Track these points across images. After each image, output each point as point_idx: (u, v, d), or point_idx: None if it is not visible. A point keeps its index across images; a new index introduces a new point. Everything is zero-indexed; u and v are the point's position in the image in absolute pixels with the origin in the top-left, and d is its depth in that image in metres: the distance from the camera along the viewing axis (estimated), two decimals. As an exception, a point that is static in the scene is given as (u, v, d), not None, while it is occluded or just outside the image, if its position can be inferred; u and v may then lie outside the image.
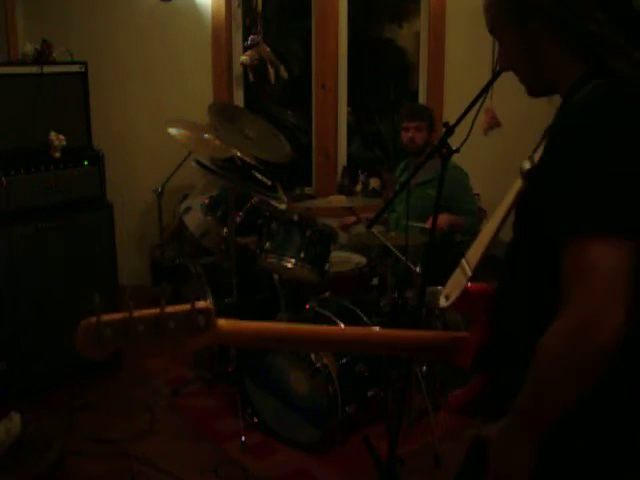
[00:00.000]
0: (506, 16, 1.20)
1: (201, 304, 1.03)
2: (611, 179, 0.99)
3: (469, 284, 1.27)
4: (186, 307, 1.02)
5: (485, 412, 1.32)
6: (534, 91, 1.26)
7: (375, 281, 3.43)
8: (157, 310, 1.01)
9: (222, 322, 1.08)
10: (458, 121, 2.00)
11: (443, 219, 3.22)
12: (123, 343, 1.03)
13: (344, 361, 2.83)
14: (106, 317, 1.01)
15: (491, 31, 1.27)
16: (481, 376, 1.27)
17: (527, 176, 1.19)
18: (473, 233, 3.68)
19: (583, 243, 0.98)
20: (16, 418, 2.57)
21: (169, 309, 1.02)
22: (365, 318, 3.02)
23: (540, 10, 1.14)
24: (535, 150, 1.19)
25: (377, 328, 1.28)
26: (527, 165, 1.20)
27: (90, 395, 3.25)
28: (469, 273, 1.28)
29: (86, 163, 3.29)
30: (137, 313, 1.01)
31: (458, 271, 1.32)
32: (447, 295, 1.30)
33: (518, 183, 1.23)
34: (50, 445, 2.51)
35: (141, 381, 3.43)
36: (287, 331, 1.21)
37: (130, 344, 1.03)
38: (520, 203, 1.21)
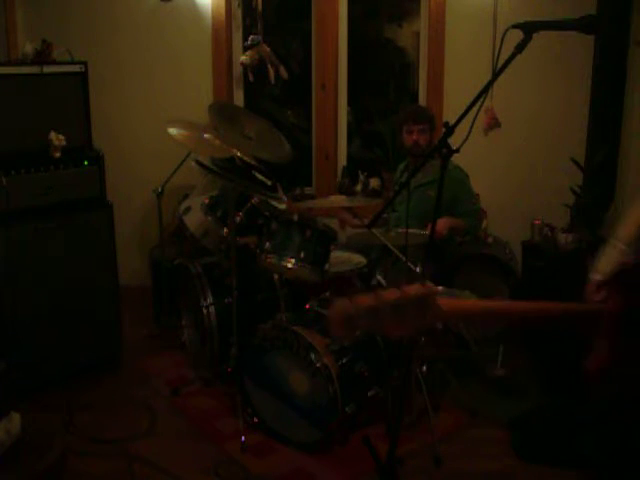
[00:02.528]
0: None
1: (429, 285, 1.11)
2: None
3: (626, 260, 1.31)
4: (417, 288, 1.08)
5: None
6: None
7: (375, 281, 3.43)
8: (398, 293, 1.07)
9: (442, 301, 1.15)
10: (458, 121, 2.00)
11: (442, 223, 3.22)
12: (371, 326, 1.08)
13: (344, 361, 2.83)
14: (359, 300, 1.06)
15: None
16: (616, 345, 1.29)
17: None
18: (475, 234, 3.68)
19: None
20: (16, 418, 2.56)
21: (407, 291, 1.08)
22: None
23: None
24: None
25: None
26: None
27: (90, 395, 3.26)
28: (623, 247, 1.33)
29: (86, 163, 3.29)
30: (384, 296, 1.07)
31: (608, 249, 1.36)
32: (600, 271, 1.34)
33: None
34: (50, 445, 2.51)
35: (141, 381, 3.43)
36: (496, 307, 1.28)
37: (376, 327, 1.08)
38: None
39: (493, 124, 4.09)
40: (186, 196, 3.78)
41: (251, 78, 4.25)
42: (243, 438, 2.86)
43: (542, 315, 1.35)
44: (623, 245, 1.33)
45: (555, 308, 1.33)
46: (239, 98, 4.49)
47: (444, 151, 2.05)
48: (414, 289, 1.08)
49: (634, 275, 1.28)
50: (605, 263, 1.34)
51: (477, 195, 3.85)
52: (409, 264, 2.79)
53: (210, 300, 3.27)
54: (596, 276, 1.33)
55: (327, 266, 3.02)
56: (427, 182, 3.35)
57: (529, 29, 1.86)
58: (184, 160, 3.56)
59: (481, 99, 1.92)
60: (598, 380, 1.32)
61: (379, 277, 3.22)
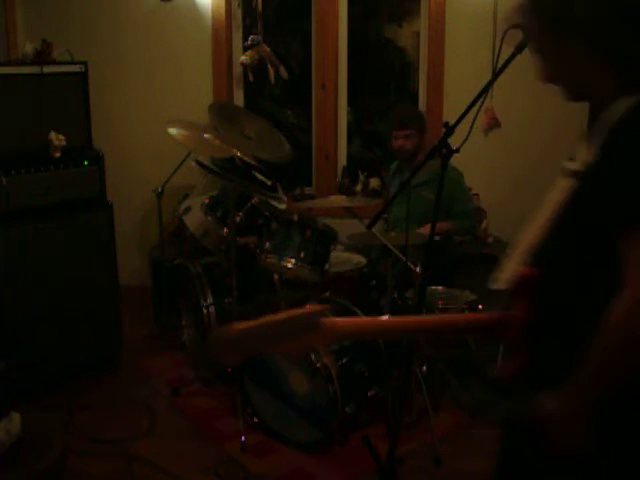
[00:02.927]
0: (544, 35, 1.28)
1: (314, 308, 1.20)
2: None
3: (521, 270, 1.39)
4: (300, 311, 1.18)
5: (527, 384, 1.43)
6: (571, 99, 1.35)
7: (375, 281, 3.43)
8: (283, 315, 1.16)
9: (331, 321, 1.22)
10: (458, 121, 2.01)
11: (426, 230, 3.18)
12: (256, 348, 1.18)
13: (344, 361, 2.84)
14: (241, 326, 1.15)
15: (533, 48, 1.34)
16: (525, 350, 1.39)
17: (578, 175, 1.29)
18: (473, 234, 3.68)
19: None
20: (16, 418, 2.56)
21: (291, 313, 1.17)
22: (365, 318, 3.02)
23: (579, 29, 1.22)
24: (578, 151, 1.30)
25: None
26: (573, 165, 1.32)
27: (90, 395, 3.26)
28: (521, 258, 1.40)
29: (86, 163, 3.29)
30: (265, 319, 1.16)
31: (506, 260, 1.45)
32: (500, 279, 1.43)
33: (564, 182, 1.35)
34: (50, 445, 2.51)
35: (141, 381, 3.43)
36: (381, 324, 1.38)
37: (261, 348, 1.19)
38: (570, 199, 1.31)
39: (493, 124, 4.09)
40: (186, 196, 3.78)
41: (251, 78, 4.25)
42: (243, 438, 2.86)
43: (444, 327, 1.47)
44: (520, 258, 1.42)
45: (458, 319, 1.46)
46: (239, 98, 4.49)
47: (444, 151, 2.05)
48: (298, 311, 1.17)
49: (536, 285, 1.36)
50: (507, 273, 1.42)
51: (476, 195, 3.85)
52: (409, 264, 2.79)
53: (210, 300, 3.27)
54: (499, 284, 1.43)
55: (327, 266, 3.02)
56: (421, 182, 3.33)
57: (529, 29, 1.86)
58: (184, 160, 3.56)
59: (481, 99, 1.92)
60: (510, 379, 1.47)
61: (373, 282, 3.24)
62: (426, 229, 2.89)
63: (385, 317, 1.45)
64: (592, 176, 1.24)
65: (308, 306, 1.20)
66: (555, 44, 1.27)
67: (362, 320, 1.38)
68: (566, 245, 1.32)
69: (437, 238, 3.23)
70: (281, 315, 1.17)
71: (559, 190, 1.36)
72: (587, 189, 1.27)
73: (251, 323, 1.15)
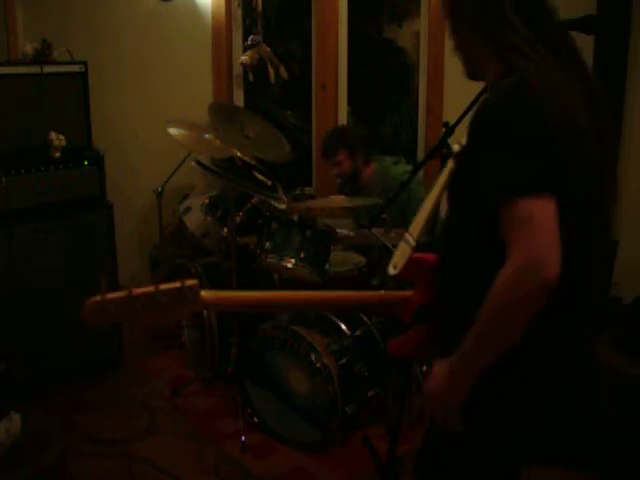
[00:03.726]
0: (450, 23, 1.48)
1: (188, 282, 1.29)
2: (528, 151, 1.23)
3: (414, 254, 1.51)
4: (176, 284, 1.27)
5: (422, 355, 1.66)
6: (469, 75, 1.52)
7: (375, 281, 3.42)
8: (152, 288, 1.25)
9: (205, 293, 1.33)
10: (458, 121, 2.01)
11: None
12: (124, 317, 1.27)
13: (344, 361, 2.83)
14: (109, 296, 1.27)
15: (453, 48, 1.51)
16: (419, 327, 1.52)
17: (457, 157, 1.44)
18: None
19: (519, 203, 1.19)
20: (16, 418, 2.56)
21: (162, 286, 1.26)
22: (365, 318, 3.02)
23: (468, 19, 1.41)
24: (464, 135, 1.40)
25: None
26: (457, 148, 1.47)
27: (90, 395, 3.26)
28: (413, 243, 1.51)
29: (86, 163, 3.29)
30: (135, 291, 1.25)
31: (402, 244, 1.54)
32: (395, 265, 1.51)
33: (450, 164, 1.48)
34: (50, 445, 2.51)
35: (141, 381, 3.43)
36: (257, 298, 1.49)
37: (130, 317, 1.27)
38: (452, 180, 1.45)
39: (493, 124, 4.08)
40: (186, 196, 3.78)
41: (251, 78, 4.25)
42: (243, 438, 2.86)
43: (335, 303, 1.61)
44: (413, 241, 1.52)
45: (353, 296, 1.54)
46: (239, 98, 4.49)
47: (444, 151, 2.05)
48: (172, 285, 1.27)
49: (435, 271, 1.49)
50: (399, 257, 1.51)
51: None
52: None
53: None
54: (391, 270, 1.51)
55: (327, 266, 3.02)
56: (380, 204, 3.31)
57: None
58: (184, 160, 3.56)
59: (481, 99, 1.92)
60: (397, 357, 1.66)
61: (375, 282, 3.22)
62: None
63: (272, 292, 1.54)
64: (461, 159, 1.40)
65: (185, 280, 1.28)
66: (455, 30, 1.47)
67: (241, 294, 1.48)
68: (453, 225, 1.44)
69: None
70: (148, 287, 1.26)
71: (445, 172, 1.48)
72: (459, 172, 1.42)
73: (121, 293, 1.26)
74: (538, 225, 1.17)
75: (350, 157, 3.48)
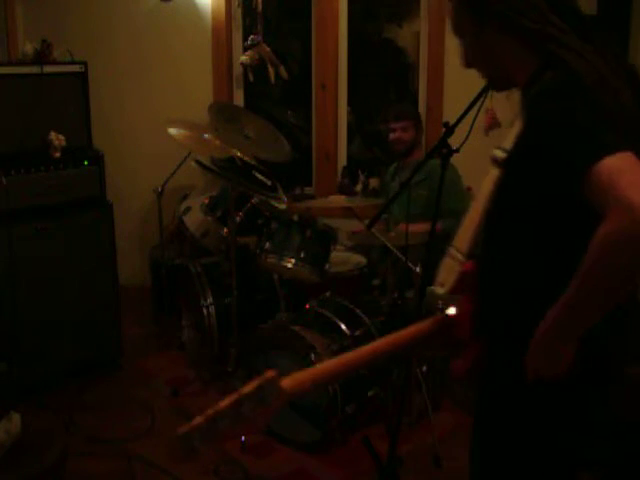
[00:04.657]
0: (466, 20, 1.37)
1: (267, 375, 1.15)
2: (599, 125, 1.17)
3: (464, 266, 1.42)
4: (254, 385, 1.14)
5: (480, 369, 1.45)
6: (496, 86, 1.45)
7: (375, 281, 3.43)
8: (233, 399, 1.13)
9: (285, 383, 1.20)
10: (458, 121, 2.01)
11: (418, 228, 3.14)
12: (211, 441, 1.15)
13: (344, 361, 2.83)
14: (189, 427, 1.13)
15: (455, 34, 1.42)
16: (477, 341, 1.41)
17: (505, 161, 1.37)
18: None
19: (605, 163, 1.12)
20: (16, 418, 2.56)
21: (243, 393, 1.13)
22: (365, 318, 3.02)
23: (496, 14, 1.32)
24: (506, 138, 1.37)
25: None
26: (500, 153, 1.40)
27: (90, 395, 3.26)
28: (461, 259, 1.42)
29: (86, 163, 3.29)
30: (214, 411, 1.13)
31: (448, 259, 1.45)
32: (442, 283, 1.43)
33: (494, 171, 1.41)
34: (50, 445, 2.51)
35: (141, 381, 3.43)
36: (336, 365, 1.36)
37: (216, 439, 1.15)
38: (501, 187, 1.36)
39: (493, 124, 4.09)
40: (186, 196, 3.78)
41: (251, 78, 4.25)
42: (243, 438, 2.86)
43: (394, 347, 1.44)
44: (462, 257, 1.42)
45: (404, 335, 1.43)
46: (239, 98, 4.49)
47: (444, 151, 2.05)
48: (249, 384, 1.14)
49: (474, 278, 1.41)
50: (446, 274, 1.43)
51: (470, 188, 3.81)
52: (409, 264, 2.79)
53: (210, 300, 3.27)
54: (439, 289, 1.43)
55: (327, 266, 3.02)
56: (419, 181, 3.32)
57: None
58: (184, 160, 3.56)
59: (481, 99, 1.92)
60: (465, 378, 1.46)
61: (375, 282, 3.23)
62: (415, 227, 2.88)
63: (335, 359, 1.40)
64: (524, 146, 1.29)
65: (263, 376, 1.16)
66: (478, 33, 1.36)
67: (317, 369, 1.35)
68: (506, 232, 1.36)
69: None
70: (237, 395, 1.15)
71: (489, 181, 1.40)
72: (510, 176, 1.32)
73: (201, 419, 1.13)
74: (632, 172, 1.11)
75: (414, 128, 3.50)
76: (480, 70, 1.42)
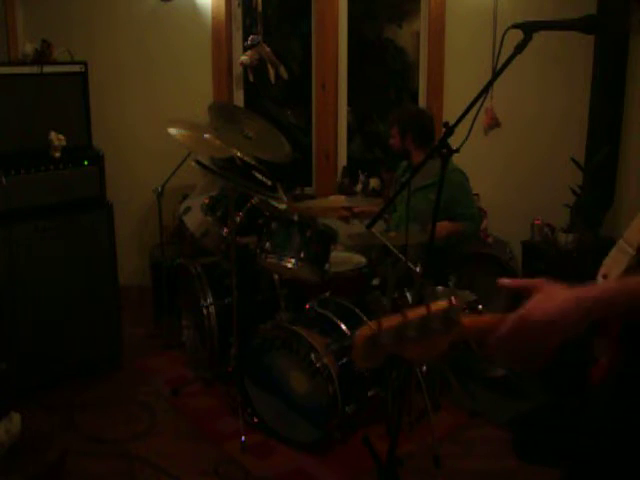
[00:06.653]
0: None
1: (453, 300, 1.05)
2: None
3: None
4: (442, 305, 1.05)
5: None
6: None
7: (375, 281, 3.42)
8: (424, 311, 1.04)
9: (464, 318, 1.10)
10: (458, 121, 2.00)
11: (442, 227, 3.18)
12: (395, 350, 1.05)
13: (344, 361, 2.83)
14: (385, 323, 1.03)
15: None
16: (619, 344, 1.28)
17: None
18: (476, 237, 3.66)
19: None
20: (16, 418, 2.57)
21: (433, 308, 1.04)
22: (365, 318, 3.02)
23: None
24: None
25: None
26: None
27: (90, 395, 3.26)
28: (631, 252, 1.31)
29: (86, 163, 3.29)
30: (408, 316, 1.03)
31: (615, 252, 1.34)
32: (604, 274, 1.32)
33: None
34: (50, 445, 2.51)
35: (141, 381, 3.43)
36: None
37: (400, 349, 1.05)
38: None
39: (493, 124, 4.09)
40: (186, 196, 3.77)
41: (251, 78, 4.25)
42: (243, 438, 2.86)
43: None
44: (632, 250, 1.32)
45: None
46: (239, 98, 4.49)
47: (444, 151, 2.05)
48: (439, 305, 1.05)
49: None
50: (610, 267, 1.33)
51: (476, 195, 3.83)
52: (409, 264, 2.78)
53: (210, 300, 3.27)
54: (603, 280, 1.32)
55: (327, 266, 3.02)
56: (429, 184, 3.32)
57: (529, 29, 1.85)
58: (184, 160, 3.56)
59: (481, 99, 1.92)
60: (604, 381, 1.31)
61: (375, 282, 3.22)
62: (441, 226, 2.90)
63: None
64: None
65: (451, 299, 1.05)
66: None
67: (490, 318, 1.15)
68: None
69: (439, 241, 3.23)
70: (420, 310, 1.04)
71: None
72: None
73: (394, 320, 1.04)
74: None
75: (400, 135, 3.50)
76: None
